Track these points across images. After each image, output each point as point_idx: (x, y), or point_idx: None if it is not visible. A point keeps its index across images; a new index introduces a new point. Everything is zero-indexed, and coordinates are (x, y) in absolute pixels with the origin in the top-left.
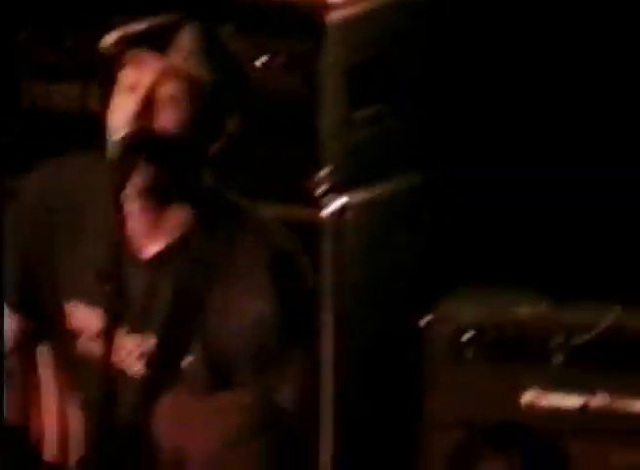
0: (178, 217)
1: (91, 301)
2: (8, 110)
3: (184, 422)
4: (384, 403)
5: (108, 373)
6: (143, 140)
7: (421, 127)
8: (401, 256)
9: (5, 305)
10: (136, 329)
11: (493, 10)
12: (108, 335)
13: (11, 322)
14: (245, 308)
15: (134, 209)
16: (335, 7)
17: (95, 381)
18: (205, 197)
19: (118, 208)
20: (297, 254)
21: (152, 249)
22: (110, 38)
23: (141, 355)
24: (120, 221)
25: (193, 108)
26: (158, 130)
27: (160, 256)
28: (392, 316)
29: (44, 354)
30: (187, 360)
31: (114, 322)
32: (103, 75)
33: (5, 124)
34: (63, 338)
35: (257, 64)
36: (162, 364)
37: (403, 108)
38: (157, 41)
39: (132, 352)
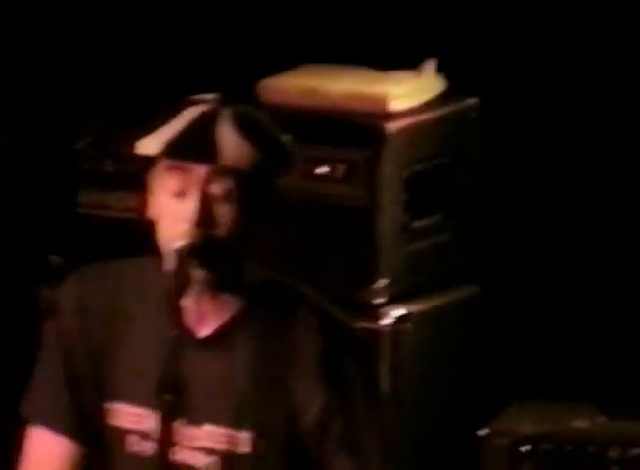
0: (229, 302)
1: (142, 401)
2: (63, 217)
3: None
4: None
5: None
6: (202, 246)
7: (477, 238)
8: (460, 366)
9: (41, 433)
10: (194, 419)
11: (545, 115)
12: (165, 432)
13: (55, 450)
14: (297, 397)
15: (188, 300)
16: (394, 117)
17: None
18: (257, 284)
19: (177, 310)
20: (348, 343)
21: (204, 331)
22: (145, 146)
23: (202, 446)
24: (177, 323)
25: (247, 197)
26: (215, 232)
27: (211, 337)
28: (450, 426)
29: None
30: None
31: (171, 419)
32: (146, 181)
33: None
34: (106, 443)
35: (317, 173)
36: (225, 453)
37: (460, 218)
38: (193, 146)
39: (192, 442)
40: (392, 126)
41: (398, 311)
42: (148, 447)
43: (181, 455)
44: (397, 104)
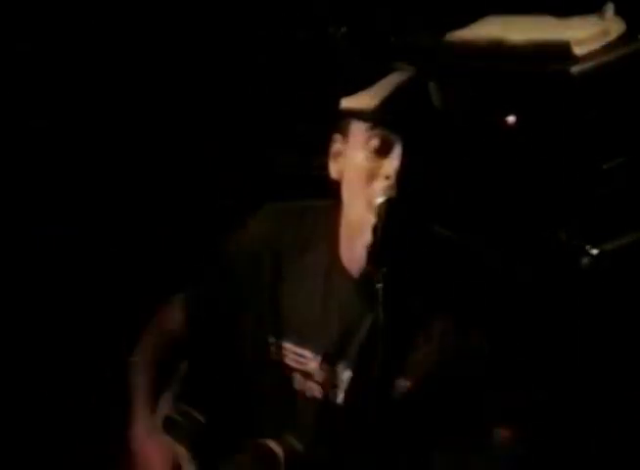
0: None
1: (305, 343)
2: (261, 176)
3: None
4: None
5: (326, 407)
6: (399, 201)
7: None
8: None
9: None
10: (353, 366)
11: None
12: (325, 373)
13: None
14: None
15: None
16: (581, 59)
17: (310, 415)
18: (419, 235)
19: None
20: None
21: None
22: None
23: (342, 386)
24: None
25: (411, 156)
26: (409, 188)
27: (365, 277)
28: None
29: None
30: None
31: (330, 360)
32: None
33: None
34: (266, 377)
35: (506, 120)
36: (360, 396)
37: None
38: (393, 115)
39: (338, 382)
40: (579, 68)
41: (593, 251)
42: (309, 387)
43: (341, 398)
44: (582, 48)
